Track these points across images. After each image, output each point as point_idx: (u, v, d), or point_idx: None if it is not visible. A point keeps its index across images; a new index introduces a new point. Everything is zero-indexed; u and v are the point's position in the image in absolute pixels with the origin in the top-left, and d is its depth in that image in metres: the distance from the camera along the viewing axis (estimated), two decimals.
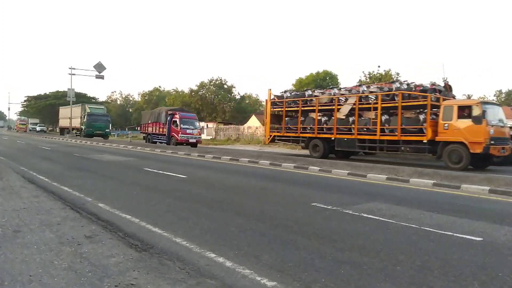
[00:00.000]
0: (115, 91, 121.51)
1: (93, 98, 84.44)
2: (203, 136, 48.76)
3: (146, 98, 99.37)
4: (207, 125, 51.29)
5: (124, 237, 4.70)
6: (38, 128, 72.40)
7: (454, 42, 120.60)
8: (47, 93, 79.20)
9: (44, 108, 73.43)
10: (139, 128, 34.43)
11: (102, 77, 40.83)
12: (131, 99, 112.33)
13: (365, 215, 6.19)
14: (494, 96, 69.51)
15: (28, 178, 9.51)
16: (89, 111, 40.75)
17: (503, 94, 68.42)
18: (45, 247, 4.22)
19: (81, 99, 71.26)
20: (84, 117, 40.03)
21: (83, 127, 40.09)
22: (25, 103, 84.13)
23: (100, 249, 4.19)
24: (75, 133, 43.48)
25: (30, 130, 73.45)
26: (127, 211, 6.07)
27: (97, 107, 47.32)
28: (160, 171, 11.77)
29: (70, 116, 43.97)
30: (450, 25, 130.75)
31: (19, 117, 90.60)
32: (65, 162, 14.55)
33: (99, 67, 40.06)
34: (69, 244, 4.33)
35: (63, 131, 48.40)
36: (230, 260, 3.94)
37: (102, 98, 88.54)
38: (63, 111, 49.15)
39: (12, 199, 6.77)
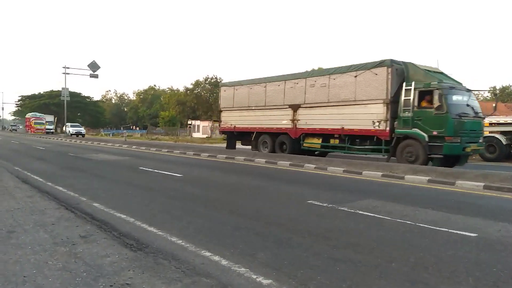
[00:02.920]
0: (109, 90, 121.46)
1: (88, 97, 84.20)
2: (198, 135, 48.46)
3: (141, 97, 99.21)
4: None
5: (119, 236, 4.68)
6: (71, 130, 46.62)
7: (450, 39, 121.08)
8: (41, 92, 78.88)
9: (38, 107, 73.05)
10: None
11: (96, 76, 40.73)
12: (126, 98, 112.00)
13: (360, 212, 6.21)
14: (488, 92, 69.89)
15: (22, 178, 9.44)
16: (447, 86, 12.56)
17: (497, 91, 68.83)
18: (39, 247, 4.20)
19: (76, 98, 70.36)
20: (437, 106, 12.11)
21: (435, 131, 12.21)
22: (19, 102, 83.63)
23: (95, 249, 4.17)
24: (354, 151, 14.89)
25: (46, 132, 53.61)
26: (122, 211, 6.04)
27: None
28: (155, 170, 11.74)
29: (316, 101, 15.76)
30: (446, 20, 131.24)
31: (33, 113, 61.42)
32: (60, 162, 14.47)
33: (93, 66, 39.94)
34: (64, 244, 4.31)
35: (245, 140, 20.07)
36: (226, 259, 3.93)
37: (96, 97, 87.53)
38: (258, 90, 18.44)
39: (5, 200, 6.73)
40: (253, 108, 18.56)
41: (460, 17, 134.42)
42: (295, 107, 16.44)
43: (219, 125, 21.57)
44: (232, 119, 19.86)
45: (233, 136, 20.55)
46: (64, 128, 52.01)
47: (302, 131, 16.23)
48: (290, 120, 16.61)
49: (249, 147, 19.37)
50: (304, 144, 16.34)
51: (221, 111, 20.81)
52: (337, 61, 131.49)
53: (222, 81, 20.68)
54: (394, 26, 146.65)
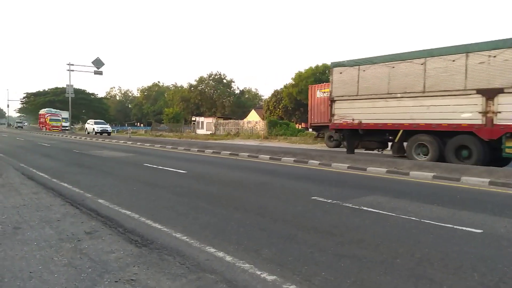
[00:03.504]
0: (114, 87, 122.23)
1: (92, 94, 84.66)
2: (202, 132, 48.51)
3: (145, 93, 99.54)
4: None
5: (124, 232, 4.71)
6: (96, 128, 40.44)
7: (454, 36, 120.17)
8: (46, 89, 79.42)
9: (43, 105, 73.56)
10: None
11: (100, 73, 40.73)
12: (130, 94, 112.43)
13: (364, 208, 6.20)
14: None
15: (27, 175, 9.50)
16: None
17: None
18: (45, 243, 4.23)
19: (80, 95, 70.89)
20: None
21: None
22: (24, 99, 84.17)
23: (100, 245, 4.19)
24: None
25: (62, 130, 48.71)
26: (127, 207, 6.07)
27: None
28: (159, 167, 11.77)
29: None
30: (450, 19, 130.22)
31: (48, 109, 56.05)
32: (65, 159, 14.54)
33: (98, 63, 39.95)
34: (69, 240, 4.34)
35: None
36: (230, 255, 3.94)
37: (101, 94, 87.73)
38: (408, 69, 12.99)
39: (11, 196, 6.78)
40: (399, 96, 13.18)
41: (469, 16, 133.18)
42: (490, 93, 11.13)
43: (330, 120, 15.61)
44: (354, 112, 14.49)
45: (356, 136, 15.01)
46: (76, 124, 46.39)
47: (505, 130, 10.85)
48: (479, 112, 11.36)
49: (368, 151, 15.14)
50: (508, 150, 10.94)
51: (333, 101, 15.21)
52: (342, 57, 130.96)
53: (332, 61, 15.43)
54: (402, 20, 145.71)
